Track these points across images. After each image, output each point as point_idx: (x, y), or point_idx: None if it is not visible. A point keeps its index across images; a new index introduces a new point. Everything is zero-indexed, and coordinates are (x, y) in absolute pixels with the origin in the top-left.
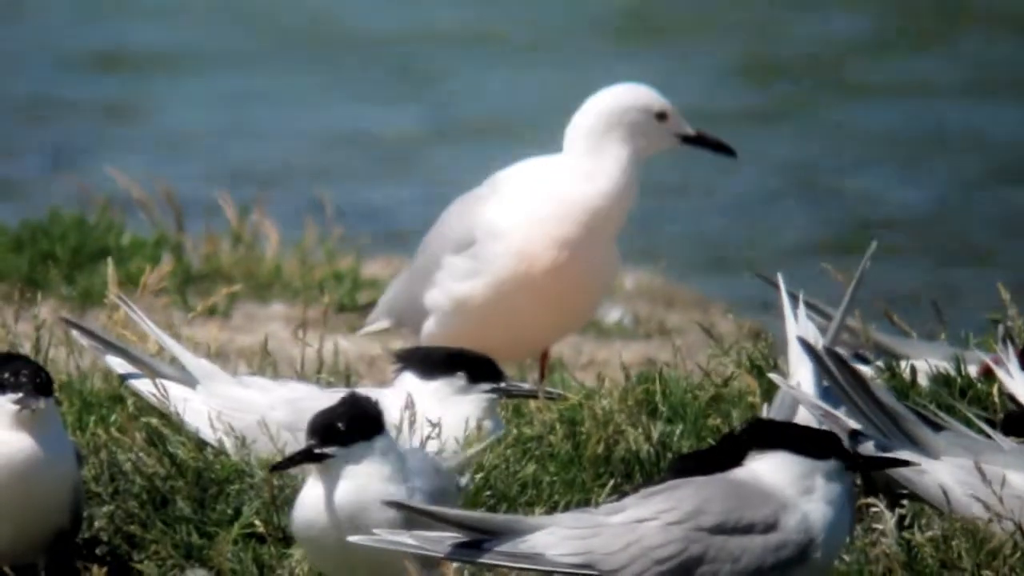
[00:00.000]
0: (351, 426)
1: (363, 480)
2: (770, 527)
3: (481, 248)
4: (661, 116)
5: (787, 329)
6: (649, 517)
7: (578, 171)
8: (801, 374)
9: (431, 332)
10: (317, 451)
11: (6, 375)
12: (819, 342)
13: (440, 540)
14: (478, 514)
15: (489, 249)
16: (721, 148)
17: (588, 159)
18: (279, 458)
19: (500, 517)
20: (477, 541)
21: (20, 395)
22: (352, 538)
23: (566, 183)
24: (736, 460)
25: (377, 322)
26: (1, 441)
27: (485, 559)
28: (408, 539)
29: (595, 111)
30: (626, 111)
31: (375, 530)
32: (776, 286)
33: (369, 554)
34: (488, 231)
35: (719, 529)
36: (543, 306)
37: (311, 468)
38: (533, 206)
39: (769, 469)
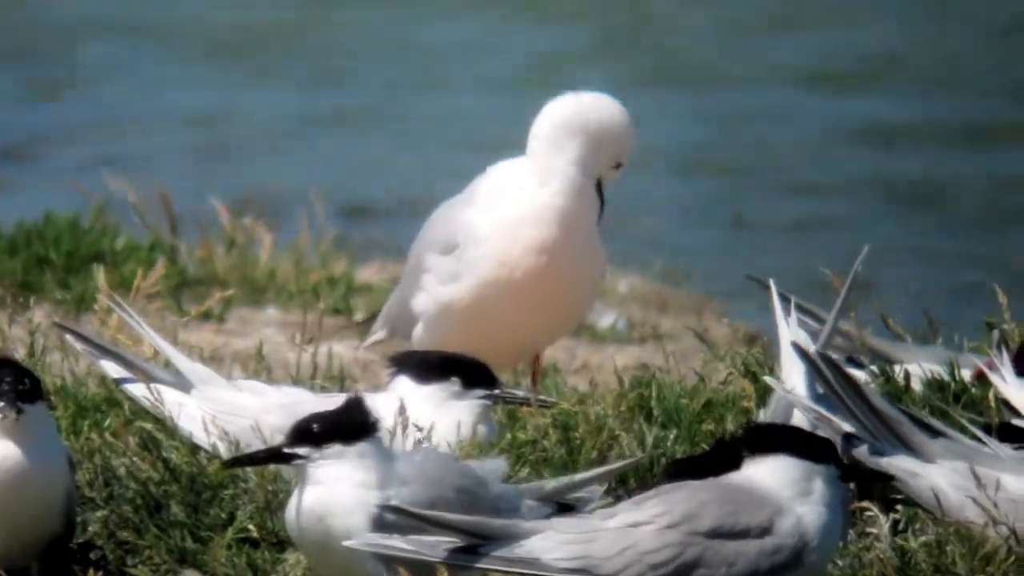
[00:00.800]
0: (325, 428)
1: (332, 484)
2: (765, 531)
3: (463, 252)
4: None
5: (779, 333)
6: (644, 521)
7: (537, 174)
8: (794, 378)
9: (420, 337)
10: (286, 451)
11: None
12: (810, 346)
13: (435, 544)
14: (473, 519)
15: (470, 253)
16: None
17: (543, 161)
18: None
19: (496, 522)
20: (472, 546)
21: (1, 403)
22: (347, 543)
23: (530, 187)
24: (730, 464)
25: (375, 334)
26: None
27: (481, 564)
28: (402, 543)
29: (555, 116)
30: (587, 120)
31: (369, 535)
32: (768, 288)
33: (350, 558)
34: (469, 235)
35: (714, 534)
36: (528, 310)
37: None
38: (506, 211)
39: (765, 472)
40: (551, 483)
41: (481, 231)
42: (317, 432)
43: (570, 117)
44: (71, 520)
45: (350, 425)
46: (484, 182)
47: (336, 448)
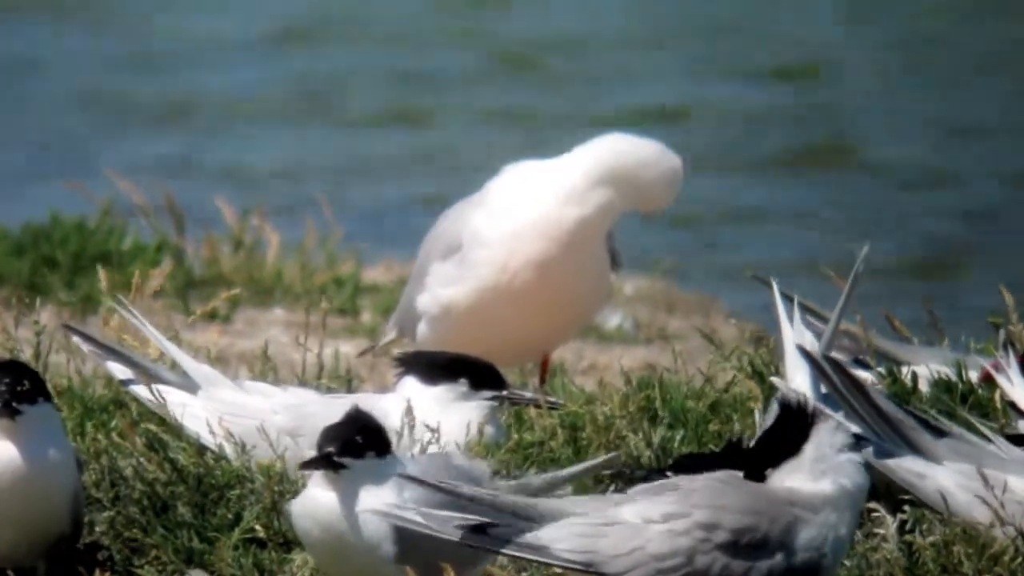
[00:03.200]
0: (368, 441)
1: (363, 494)
2: (782, 544)
3: (466, 255)
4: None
5: (783, 334)
6: (659, 520)
7: (569, 190)
8: (798, 379)
9: (424, 336)
10: (336, 459)
11: None
12: (815, 347)
13: (448, 520)
14: (492, 493)
15: (473, 257)
16: None
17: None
18: (279, 464)
19: (518, 499)
20: (484, 526)
21: None
22: (368, 508)
23: (543, 196)
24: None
25: (386, 335)
26: None
27: (490, 545)
28: (417, 517)
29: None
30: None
31: (386, 506)
32: (771, 288)
33: (364, 561)
34: (474, 238)
35: (730, 545)
36: (529, 317)
37: (312, 474)
38: (517, 219)
39: (792, 473)
40: (536, 480)
41: (486, 235)
42: (361, 444)
43: (615, 165)
44: (78, 520)
45: (384, 438)
46: (497, 184)
47: (372, 461)
